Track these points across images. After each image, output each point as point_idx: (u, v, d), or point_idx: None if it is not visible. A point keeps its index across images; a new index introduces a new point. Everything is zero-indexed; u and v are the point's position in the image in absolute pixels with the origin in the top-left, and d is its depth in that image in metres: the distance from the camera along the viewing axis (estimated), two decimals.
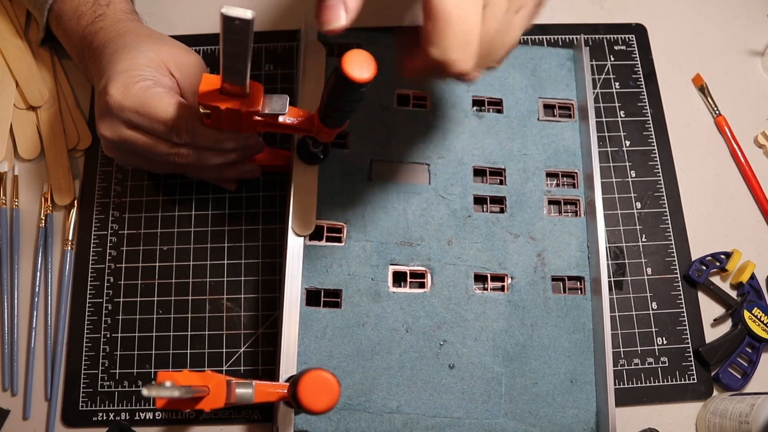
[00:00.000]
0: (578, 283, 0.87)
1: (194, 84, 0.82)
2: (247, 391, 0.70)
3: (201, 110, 0.72)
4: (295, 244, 0.82)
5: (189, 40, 0.97)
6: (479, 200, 0.89)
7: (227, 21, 0.57)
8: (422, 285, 0.84)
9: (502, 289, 0.85)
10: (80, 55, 0.87)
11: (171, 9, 1.04)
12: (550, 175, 0.91)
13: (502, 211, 0.88)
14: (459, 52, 0.58)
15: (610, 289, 0.91)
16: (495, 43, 0.63)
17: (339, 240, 0.84)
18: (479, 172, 0.90)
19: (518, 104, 0.92)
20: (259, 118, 0.73)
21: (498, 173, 0.90)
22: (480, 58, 0.61)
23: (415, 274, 0.85)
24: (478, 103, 0.93)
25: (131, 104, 0.75)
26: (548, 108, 0.94)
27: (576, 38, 0.99)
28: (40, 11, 0.89)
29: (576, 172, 0.91)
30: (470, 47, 0.59)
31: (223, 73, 0.66)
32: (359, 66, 0.62)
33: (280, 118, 0.75)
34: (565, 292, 0.87)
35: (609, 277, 0.91)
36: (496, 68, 0.68)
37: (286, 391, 0.70)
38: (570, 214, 0.90)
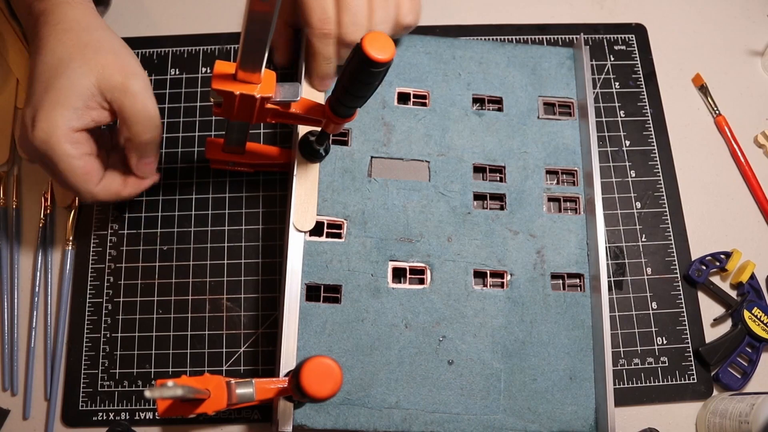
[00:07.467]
0: (578, 280, 0.87)
1: (141, 108, 0.76)
2: (247, 390, 0.69)
3: (212, 99, 0.72)
4: (295, 240, 0.83)
5: (181, 41, 0.99)
6: (479, 197, 0.89)
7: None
8: (422, 281, 0.85)
9: (502, 285, 0.86)
10: (26, 25, 0.83)
11: (154, 9, 1.04)
12: (549, 172, 0.91)
13: (501, 208, 0.89)
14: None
15: (610, 289, 0.91)
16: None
17: (339, 236, 0.85)
18: (479, 170, 0.90)
19: (518, 102, 0.93)
20: (271, 105, 0.73)
21: (498, 171, 0.90)
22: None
23: (414, 270, 0.85)
24: (478, 101, 0.93)
25: (46, 152, 0.73)
26: (548, 106, 0.94)
27: (576, 38, 0.99)
28: None
29: (576, 170, 0.91)
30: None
31: (240, 58, 0.66)
32: (380, 47, 0.63)
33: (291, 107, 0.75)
34: (564, 289, 0.87)
35: (609, 276, 0.91)
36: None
37: (286, 384, 0.70)
38: (570, 211, 0.90)
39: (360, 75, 0.66)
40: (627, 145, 0.98)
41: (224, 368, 0.87)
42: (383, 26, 0.85)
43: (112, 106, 0.76)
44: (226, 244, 0.91)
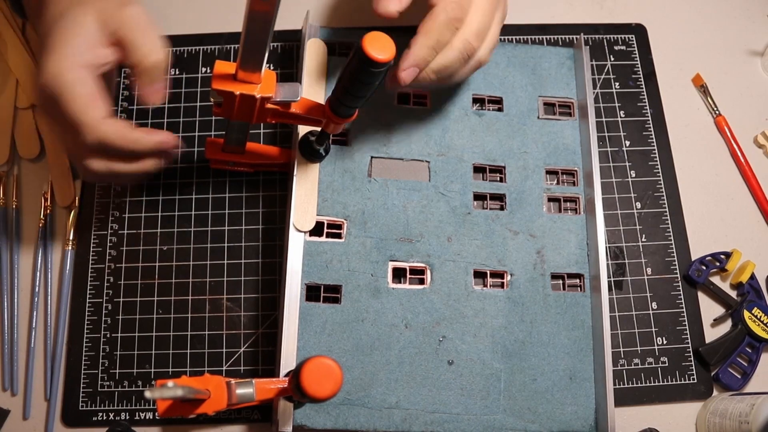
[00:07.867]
0: (578, 280, 0.87)
1: (142, 32, 0.75)
2: (247, 390, 0.69)
3: (212, 99, 0.72)
4: (295, 240, 0.83)
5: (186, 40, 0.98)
6: (479, 197, 0.89)
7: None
8: (422, 281, 0.85)
9: (502, 285, 0.86)
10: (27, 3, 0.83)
11: (154, 9, 1.03)
12: (549, 172, 0.91)
13: (501, 208, 0.89)
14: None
15: (610, 289, 0.91)
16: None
17: (339, 236, 0.85)
18: (479, 170, 0.90)
19: (518, 102, 0.93)
20: (272, 105, 0.73)
21: (498, 171, 0.90)
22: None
23: (414, 271, 0.85)
24: (478, 101, 0.93)
25: (53, 87, 0.71)
26: (548, 106, 0.94)
27: (576, 38, 0.99)
28: None
29: (576, 170, 0.91)
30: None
31: (240, 58, 0.66)
32: (380, 47, 0.63)
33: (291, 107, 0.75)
34: (564, 289, 0.87)
35: (609, 277, 0.91)
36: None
37: (286, 384, 0.70)
38: (570, 211, 0.90)
39: (360, 75, 0.66)
40: (627, 145, 0.98)
41: (224, 368, 0.87)
42: (486, 48, 0.82)
43: (115, 38, 0.74)
44: (226, 244, 0.91)
